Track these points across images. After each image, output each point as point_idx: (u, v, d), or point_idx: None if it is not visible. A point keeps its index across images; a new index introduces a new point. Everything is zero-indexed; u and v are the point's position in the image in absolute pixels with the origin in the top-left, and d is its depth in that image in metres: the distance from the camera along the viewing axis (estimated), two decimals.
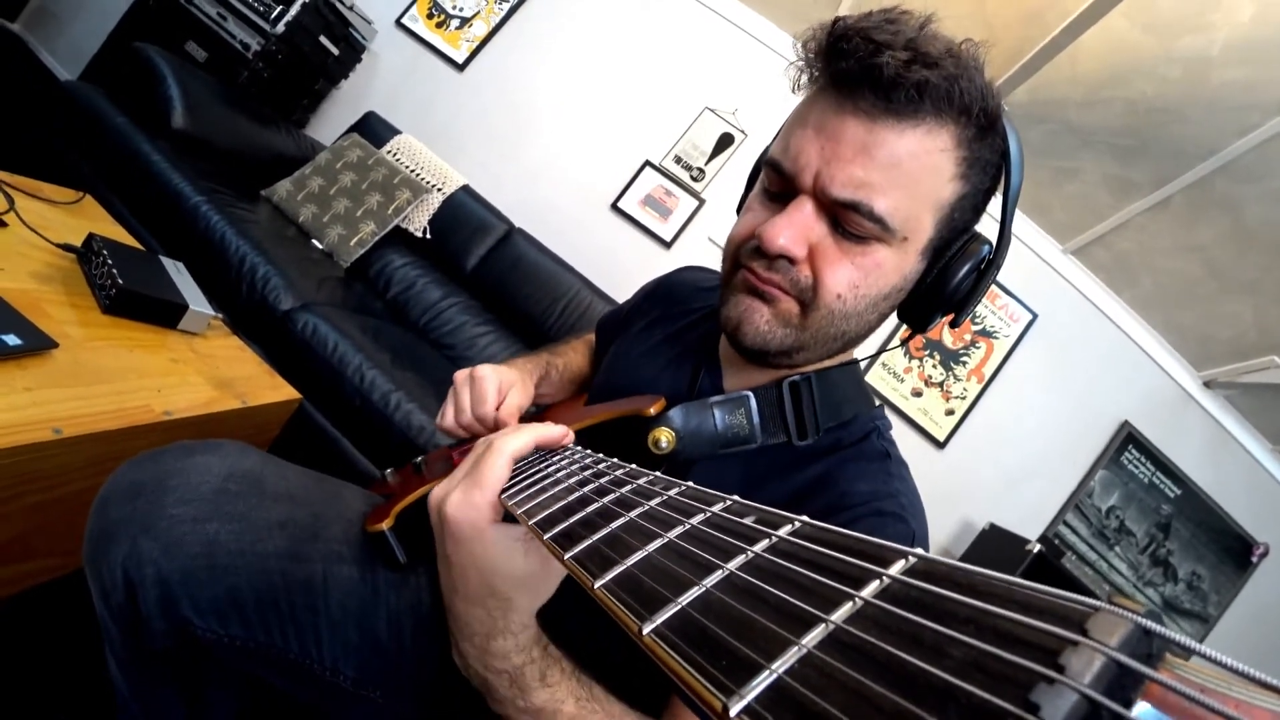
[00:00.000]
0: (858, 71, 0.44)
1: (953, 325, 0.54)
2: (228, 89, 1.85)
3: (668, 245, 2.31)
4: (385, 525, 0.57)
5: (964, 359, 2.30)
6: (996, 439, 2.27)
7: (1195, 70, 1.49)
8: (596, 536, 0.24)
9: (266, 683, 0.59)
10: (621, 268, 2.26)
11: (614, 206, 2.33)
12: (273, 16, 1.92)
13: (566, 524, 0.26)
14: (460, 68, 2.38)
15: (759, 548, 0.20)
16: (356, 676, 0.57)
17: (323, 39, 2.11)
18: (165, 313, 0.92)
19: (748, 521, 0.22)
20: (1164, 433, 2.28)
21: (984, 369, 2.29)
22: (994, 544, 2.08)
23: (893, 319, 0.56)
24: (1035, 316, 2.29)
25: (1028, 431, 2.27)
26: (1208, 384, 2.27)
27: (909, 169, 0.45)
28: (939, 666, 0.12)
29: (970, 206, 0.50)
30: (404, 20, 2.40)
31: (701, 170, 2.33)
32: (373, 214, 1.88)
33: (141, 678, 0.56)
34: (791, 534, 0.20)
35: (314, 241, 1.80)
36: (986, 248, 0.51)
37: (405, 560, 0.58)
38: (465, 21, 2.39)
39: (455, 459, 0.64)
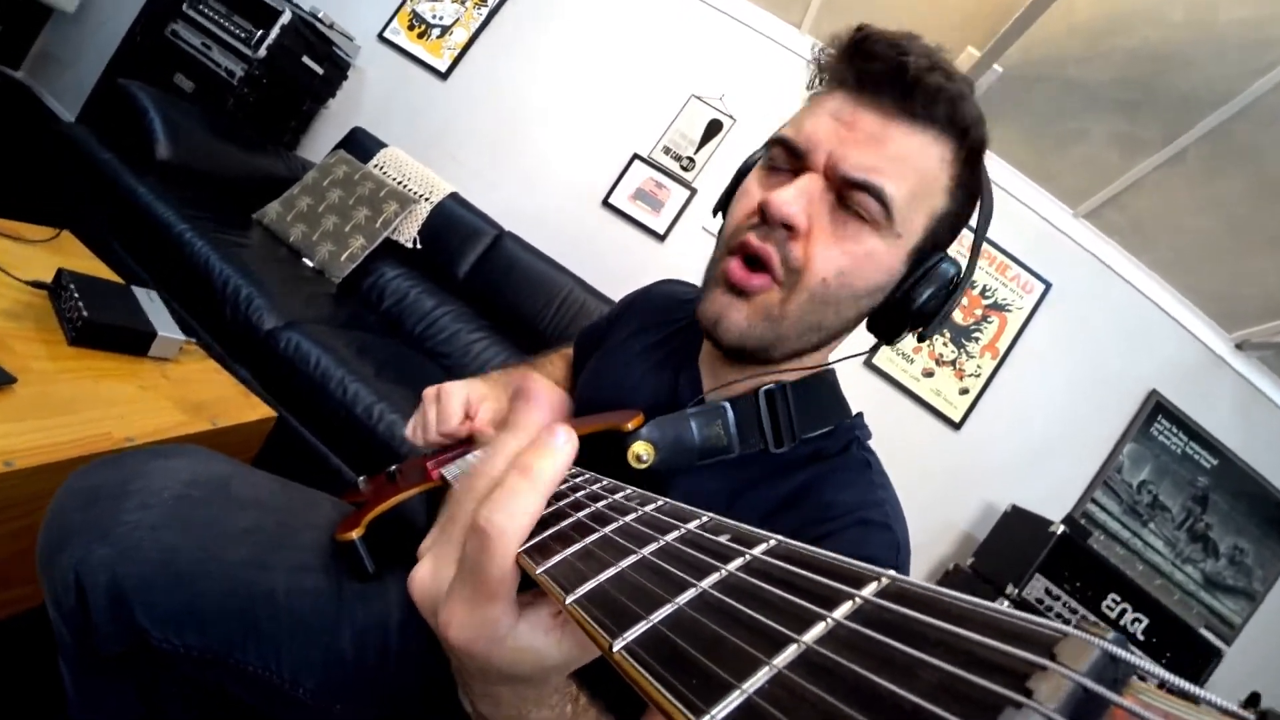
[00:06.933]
0: (881, 71, 0.47)
1: (920, 340, 0.55)
2: (215, 117, 1.89)
3: (661, 238, 2.29)
4: (355, 534, 0.56)
5: (976, 335, 2.21)
6: (1015, 416, 2.17)
7: (1199, 10, 1.39)
8: (569, 551, 0.24)
9: (226, 692, 0.58)
10: (617, 264, 2.24)
11: (605, 203, 2.31)
12: (253, 42, 1.96)
13: (539, 538, 0.26)
14: (444, 76, 2.39)
15: (733, 566, 0.20)
16: (316, 689, 0.56)
17: (306, 59, 2.14)
18: (133, 341, 0.93)
19: (723, 539, 0.22)
20: (1195, 400, 2.15)
21: (998, 344, 2.20)
22: (1016, 527, 1.99)
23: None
24: (1049, 286, 2.19)
25: (1048, 407, 2.17)
26: (1240, 346, 2.13)
27: (915, 166, 0.47)
28: (909, 689, 0.12)
29: (948, 227, 0.52)
30: (386, 34, 2.42)
31: (691, 159, 2.29)
32: (361, 228, 1.90)
33: (92, 685, 0.55)
34: (766, 552, 0.20)
35: (305, 260, 1.83)
36: (955, 268, 0.52)
37: (374, 570, 0.57)
38: (446, 30, 2.40)
39: (430, 469, 0.63)
